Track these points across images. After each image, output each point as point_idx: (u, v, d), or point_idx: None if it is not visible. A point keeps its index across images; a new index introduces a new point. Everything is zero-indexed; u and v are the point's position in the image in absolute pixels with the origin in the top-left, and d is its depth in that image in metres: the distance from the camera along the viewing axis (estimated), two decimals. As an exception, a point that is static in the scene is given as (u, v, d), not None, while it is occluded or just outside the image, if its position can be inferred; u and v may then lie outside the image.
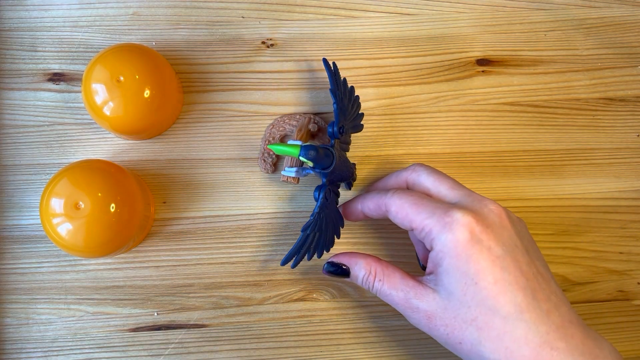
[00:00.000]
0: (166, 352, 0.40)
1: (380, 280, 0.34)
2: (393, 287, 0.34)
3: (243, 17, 0.42)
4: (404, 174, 0.36)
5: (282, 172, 0.39)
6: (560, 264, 0.42)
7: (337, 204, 0.38)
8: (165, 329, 0.40)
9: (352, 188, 0.41)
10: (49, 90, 0.41)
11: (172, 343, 0.40)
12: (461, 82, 0.42)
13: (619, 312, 0.42)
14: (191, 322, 0.40)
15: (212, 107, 0.42)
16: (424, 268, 0.37)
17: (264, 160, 0.41)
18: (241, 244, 0.41)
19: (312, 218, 0.36)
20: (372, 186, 0.39)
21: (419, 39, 0.43)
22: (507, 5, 0.44)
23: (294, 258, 0.36)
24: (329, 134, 0.37)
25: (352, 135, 0.41)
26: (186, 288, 0.40)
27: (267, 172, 0.41)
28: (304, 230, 0.36)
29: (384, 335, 0.41)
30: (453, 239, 0.31)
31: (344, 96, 0.38)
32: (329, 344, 0.41)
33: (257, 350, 0.40)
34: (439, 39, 0.43)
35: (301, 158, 0.35)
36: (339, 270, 0.36)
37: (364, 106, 0.42)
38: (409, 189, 0.35)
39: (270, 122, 0.41)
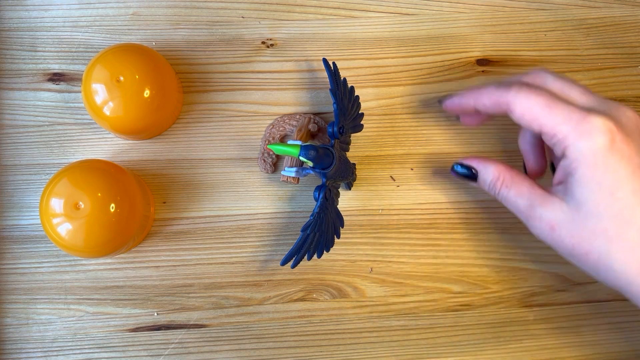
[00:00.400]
0: (166, 352, 0.40)
1: (507, 187, 0.33)
2: (519, 195, 0.32)
3: (243, 17, 0.42)
4: (526, 79, 0.33)
5: (282, 172, 0.39)
6: (560, 264, 0.42)
7: (337, 203, 0.38)
8: (165, 329, 0.40)
9: (352, 188, 0.41)
10: (49, 90, 0.41)
11: (172, 343, 0.40)
12: (461, 82, 0.42)
13: (619, 312, 0.42)
14: (191, 322, 0.40)
15: (212, 107, 0.42)
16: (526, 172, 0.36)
17: (264, 160, 0.41)
18: (241, 244, 0.41)
19: (312, 218, 0.36)
20: (460, 97, 0.36)
21: (419, 39, 0.43)
22: (507, 5, 0.44)
23: (294, 258, 0.36)
24: (329, 134, 0.37)
25: (352, 135, 0.41)
26: (186, 288, 0.40)
27: (267, 172, 0.41)
28: (303, 230, 0.36)
29: (383, 335, 0.41)
30: (592, 147, 0.29)
31: (344, 96, 0.38)
32: (329, 344, 0.41)
33: (257, 350, 0.40)
34: (439, 39, 0.43)
35: (301, 158, 0.35)
36: (468, 173, 0.35)
37: (364, 106, 0.42)
38: (535, 86, 0.32)
39: (270, 122, 0.41)
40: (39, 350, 0.40)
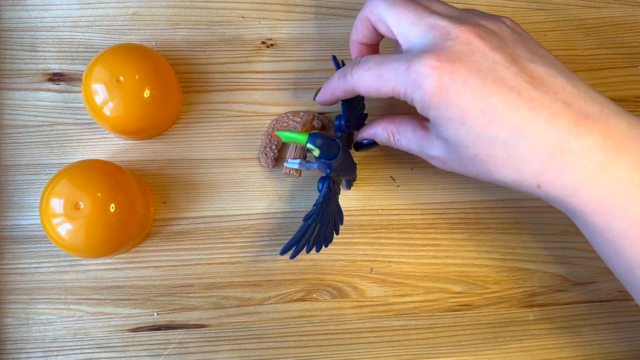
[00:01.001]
0: (166, 352, 0.40)
1: (397, 139, 0.35)
2: (408, 141, 0.34)
3: (243, 17, 0.42)
4: (365, 12, 0.34)
5: (285, 164, 0.39)
6: (560, 264, 0.42)
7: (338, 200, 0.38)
8: (165, 329, 0.40)
9: (352, 188, 0.41)
10: (49, 90, 0.41)
11: (172, 343, 0.40)
12: (461, 82, 0.42)
13: (619, 312, 0.42)
14: (191, 322, 0.40)
15: (212, 107, 0.42)
16: None
17: (265, 155, 0.40)
18: (241, 244, 0.41)
19: (314, 208, 0.36)
20: (350, 39, 0.37)
21: (419, 39, 0.43)
22: (507, 5, 0.44)
23: (294, 248, 0.35)
24: (335, 127, 0.37)
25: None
26: (186, 288, 0.40)
27: (268, 167, 0.41)
28: (305, 219, 0.35)
29: (383, 335, 0.41)
30: (426, 93, 0.29)
31: None
32: (329, 344, 0.41)
33: (257, 350, 0.40)
34: (439, 39, 0.43)
35: (308, 145, 0.34)
36: (369, 143, 0.37)
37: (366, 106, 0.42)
38: (363, 58, 0.32)
39: (274, 117, 0.41)
40: (39, 350, 0.40)
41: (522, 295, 0.41)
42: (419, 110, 0.31)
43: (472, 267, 0.41)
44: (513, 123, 0.28)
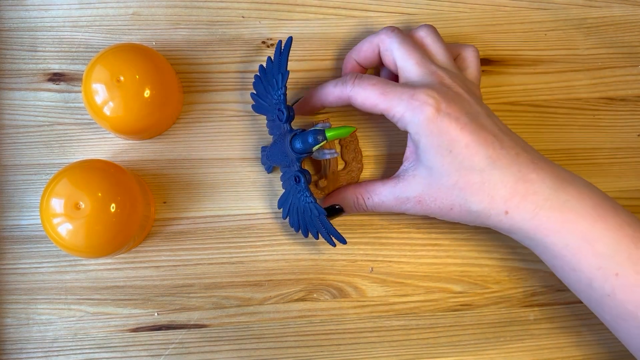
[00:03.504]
0: (166, 353, 0.40)
1: (369, 197, 0.38)
2: (381, 195, 0.37)
3: (243, 17, 0.42)
4: (376, 40, 0.38)
5: (324, 156, 0.38)
6: (560, 263, 0.42)
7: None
8: (165, 329, 0.40)
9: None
10: (49, 90, 0.41)
11: (173, 343, 0.40)
12: (461, 82, 0.42)
13: (619, 312, 0.42)
14: (191, 322, 0.40)
15: (212, 107, 0.42)
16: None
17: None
18: (241, 244, 0.41)
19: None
20: (348, 55, 0.40)
21: (419, 38, 0.43)
22: (507, 5, 0.44)
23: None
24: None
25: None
26: (186, 288, 0.40)
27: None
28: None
29: (384, 335, 0.41)
30: (424, 118, 0.34)
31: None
32: (330, 344, 0.41)
33: (257, 350, 0.40)
34: (439, 39, 0.43)
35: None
36: (334, 211, 0.39)
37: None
38: (366, 75, 0.37)
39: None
40: (40, 350, 0.39)
41: (522, 295, 0.41)
42: (411, 135, 0.35)
43: (473, 267, 0.41)
44: (489, 156, 0.34)
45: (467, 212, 0.35)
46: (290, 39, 0.37)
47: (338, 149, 0.41)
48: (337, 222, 0.41)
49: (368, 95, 0.35)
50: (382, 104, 0.35)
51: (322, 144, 0.35)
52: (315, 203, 0.36)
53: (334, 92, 0.37)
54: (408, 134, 0.36)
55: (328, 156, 0.37)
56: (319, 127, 0.36)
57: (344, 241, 0.36)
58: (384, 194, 0.37)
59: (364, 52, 0.39)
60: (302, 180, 0.36)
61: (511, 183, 0.34)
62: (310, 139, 0.35)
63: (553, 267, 0.36)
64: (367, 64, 0.40)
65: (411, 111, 0.34)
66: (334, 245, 0.37)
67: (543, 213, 0.33)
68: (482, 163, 0.34)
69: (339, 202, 0.39)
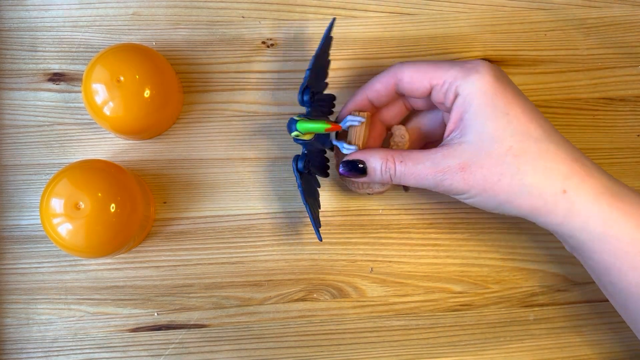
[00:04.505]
0: (166, 353, 0.40)
1: (401, 161, 0.33)
2: (418, 161, 0.33)
3: (243, 17, 0.42)
4: (388, 75, 0.35)
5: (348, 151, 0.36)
6: (560, 264, 0.42)
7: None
8: (165, 329, 0.40)
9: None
10: (49, 90, 0.41)
11: (173, 343, 0.40)
12: (461, 82, 0.42)
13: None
14: (191, 322, 0.40)
15: (212, 107, 0.42)
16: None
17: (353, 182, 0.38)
18: (241, 244, 0.41)
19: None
20: (353, 95, 0.37)
21: (419, 39, 0.43)
22: (507, 5, 0.44)
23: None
24: (300, 101, 0.36)
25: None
26: (186, 288, 0.40)
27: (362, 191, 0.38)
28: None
29: (384, 335, 0.41)
30: (481, 79, 0.32)
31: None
32: (330, 344, 0.41)
33: (257, 350, 0.40)
34: (439, 39, 0.43)
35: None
36: (355, 168, 0.34)
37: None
38: (358, 107, 0.36)
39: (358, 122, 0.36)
40: (40, 350, 0.39)
41: (522, 295, 0.41)
42: (456, 103, 0.33)
43: (473, 267, 0.41)
44: (546, 128, 0.32)
45: (518, 184, 0.31)
46: (333, 20, 0.37)
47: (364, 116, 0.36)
48: (336, 222, 0.41)
49: (417, 67, 0.34)
50: (433, 72, 0.33)
51: (295, 133, 0.34)
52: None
53: (380, 78, 0.35)
54: (453, 106, 0.33)
55: (355, 123, 0.35)
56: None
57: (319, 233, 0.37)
58: (421, 159, 0.33)
59: (377, 90, 0.36)
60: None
61: (569, 161, 0.31)
62: (291, 126, 0.35)
63: (603, 263, 0.32)
64: (378, 103, 0.37)
65: (466, 72, 0.32)
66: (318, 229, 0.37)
67: (604, 200, 0.30)
68: (538, 132, 0.31)
69: (365, 158, 0.35)
